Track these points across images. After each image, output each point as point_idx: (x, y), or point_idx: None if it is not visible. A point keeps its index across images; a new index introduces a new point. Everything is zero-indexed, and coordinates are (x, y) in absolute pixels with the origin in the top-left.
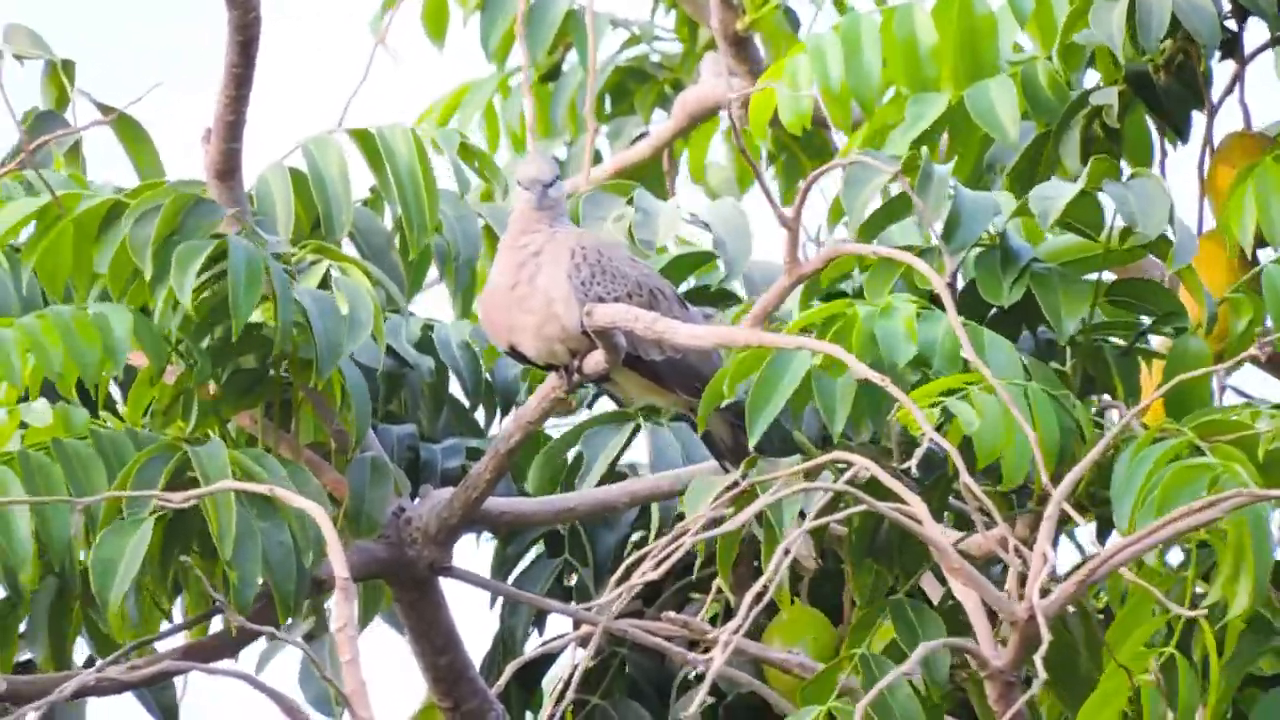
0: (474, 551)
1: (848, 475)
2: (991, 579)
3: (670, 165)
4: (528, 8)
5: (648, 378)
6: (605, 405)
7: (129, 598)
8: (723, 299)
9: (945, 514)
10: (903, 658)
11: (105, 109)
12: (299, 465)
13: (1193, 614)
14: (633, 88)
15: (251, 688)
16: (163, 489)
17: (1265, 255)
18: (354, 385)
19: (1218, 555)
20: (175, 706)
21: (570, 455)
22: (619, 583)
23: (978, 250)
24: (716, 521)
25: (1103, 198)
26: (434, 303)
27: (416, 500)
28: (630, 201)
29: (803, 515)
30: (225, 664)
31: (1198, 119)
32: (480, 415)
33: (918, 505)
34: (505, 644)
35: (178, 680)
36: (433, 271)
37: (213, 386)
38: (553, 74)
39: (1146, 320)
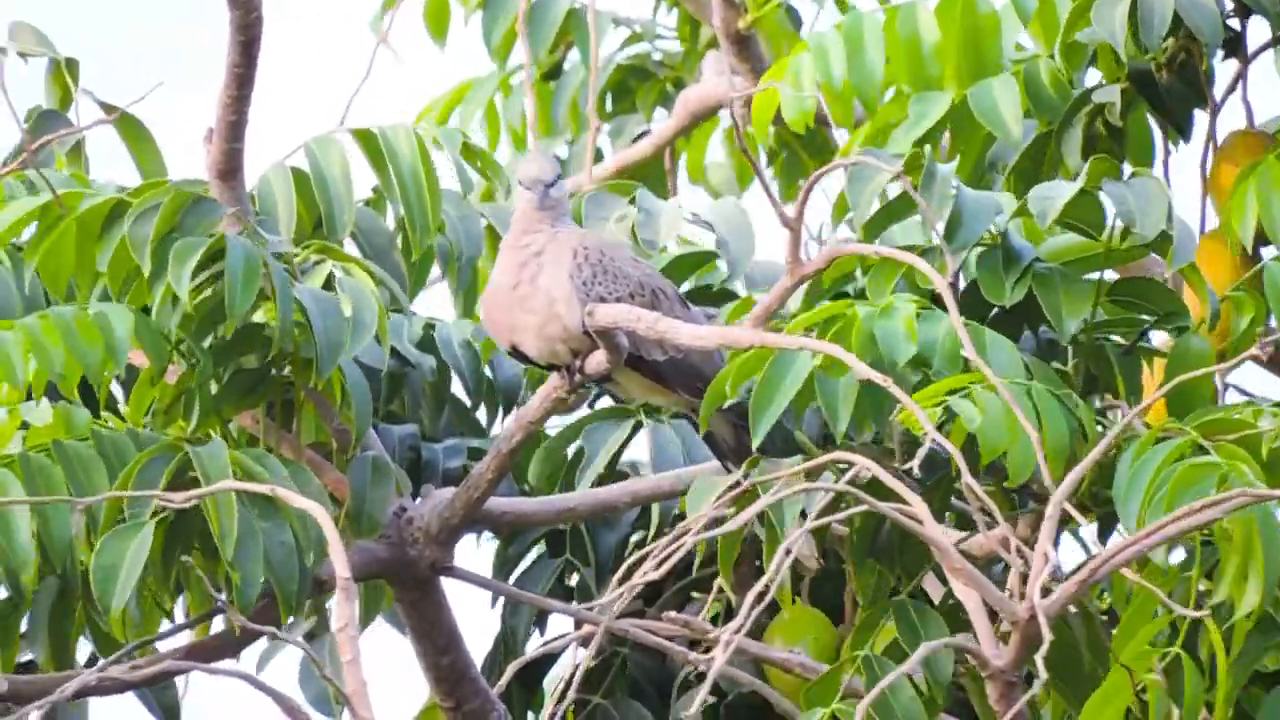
0: (475, 551)
1: (849, 475)
2: (993, 578)
3: (672, 164)
4: (529, 6)
5: (650, 378)
6: (606, 404)
7: (131, 600)
8: (725, 299)
9: (947, 514)
10: (905, 658)
11: (108, 108)
12: (300, 465)
13: (1198, 615)
14: (634, 86)
15: (253, 688)
16: (164, 489)
17: (1268, 253)
18: (355, 385)
19: (1221, 554)
20: (177, 706)
21: (571, 450)
22: (620, 582)
23: (979, 250)
24: (718, 521)
25: (1102, 197)
26: (435, 301)
27: (418, 500)
28: (633, 201)
29: (804, 515)
30: (227, 664)
31: (1200, 118)
32: (482, 415)
33: (919, 506)
34: (507, 644)
35: (179, 680)
36: (434, 270)
37: (214, 386)
38: (554, 73)
39: (1148, 320)
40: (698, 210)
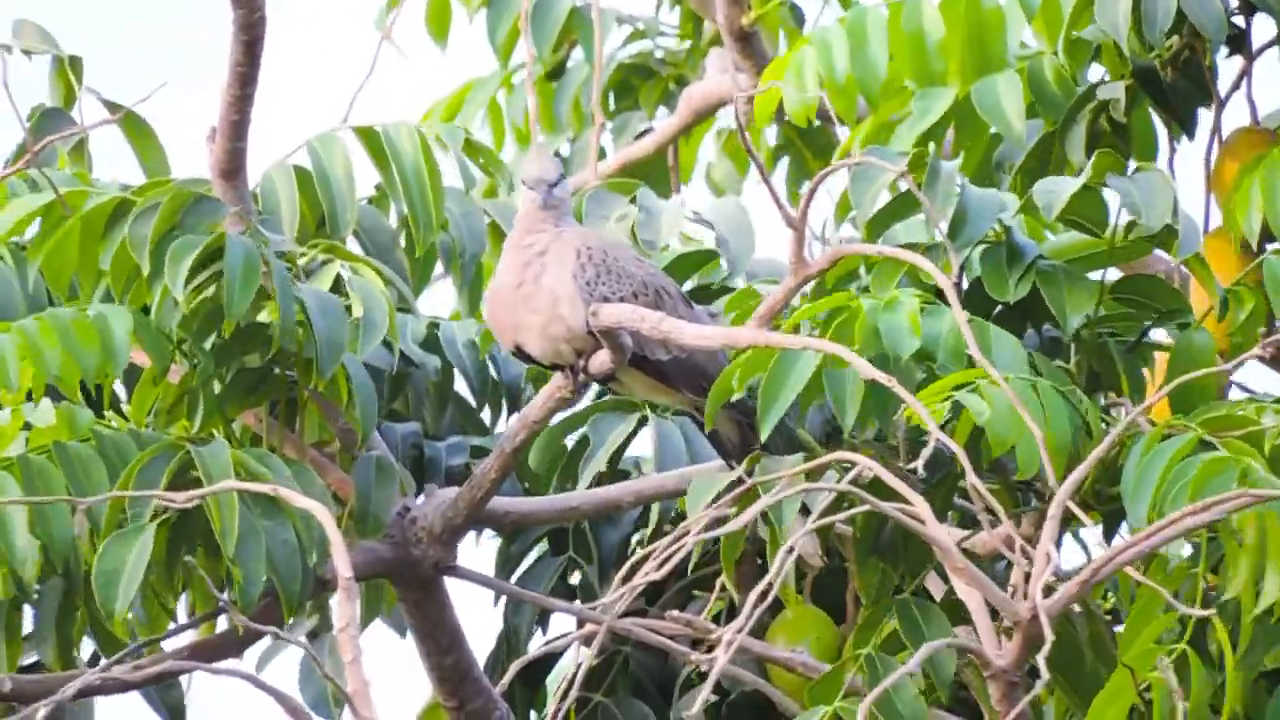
0: (476, 550)
1: (851, 475)
2: (997, 576)
3: (675, 161)
4: (532, 4)
5: (654, 377)
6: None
7: (135, 602)
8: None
9: (950, 512)
10: (904, 652)
11: (112, 107)
12: (303, 465)
13: (1205, 614)
14: (637, 84)
15: (255, 687)
16: (165, 489)
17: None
18: (361, 386)
19: (1227, 551)
20: (182, 705)
21: (574, 439)
22: (623, 582)
23: (983, 247)
24: (720, 521)
25: (1107, 193)
26: (437, 298)
27: (421, 499)
28: (633, 200)
29: (806, 512)
30: (229, 663)
31: (1204, 115)
32: (485, 414)
33: (921, 506)
34: (509, 643)
35: (182, 679)
36: (436, 267)
37: (217, 385)
38: (557, 71)
39: (1151, 317)
40: (699, 208)
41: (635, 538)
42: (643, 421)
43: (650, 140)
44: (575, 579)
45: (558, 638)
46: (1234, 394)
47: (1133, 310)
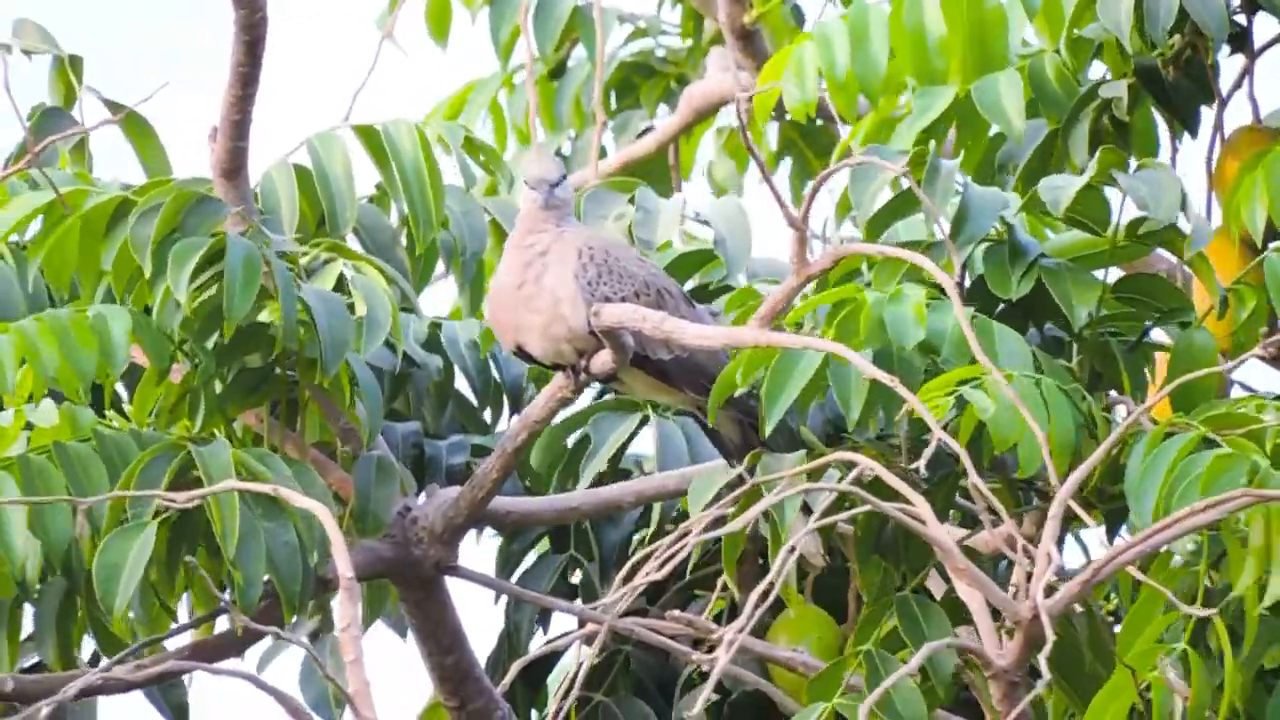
0: (477, 549)
1: (852, 475)
2: (998, 575)
3: (676, 160)
4: (533, 2)
5: (655, 377)
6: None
7: (134, 600)
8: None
9: (952, 511)
10: (904, 649)
11: (114, 106)
12: (304, 464)
13: (1207, 613)
14: (638, 83)
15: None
16: (166, 489)
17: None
18: (366, 385)
19: (1229, 550)
20: (185, 705)
21: (575, 438)
22: (624, 581)
23: (985, 245)
24: (721, 520)
25: (1109, 192)
26: (438, 297)
27: (422, 498)
28: (632, 200)
29: (808, 510)
30: (230, 663)
31: (1206, 113)
32: (487, 414)
33: (922, 506)
34: (510, 642)
35: (184, 679)
36: (437, 266)
37: (219, 385)
38: (558, 71)
39: (1153, 316)
40: (699, 208)
41: (636, 537)
42: (644, 421)
43: (651, 139)
44: (576, 578)
45: (559, 637)
46: (1235, 393)
47: (1134, 309)
